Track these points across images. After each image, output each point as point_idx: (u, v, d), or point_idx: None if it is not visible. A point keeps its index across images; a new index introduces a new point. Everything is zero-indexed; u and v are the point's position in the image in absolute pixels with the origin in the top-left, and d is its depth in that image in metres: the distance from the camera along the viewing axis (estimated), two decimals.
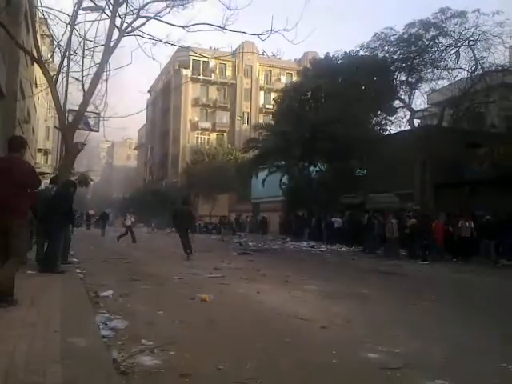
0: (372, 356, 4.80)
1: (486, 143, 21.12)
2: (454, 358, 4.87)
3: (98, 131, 17.24)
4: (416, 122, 27.67)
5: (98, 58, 13.40)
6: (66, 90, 15.54)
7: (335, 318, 6.54)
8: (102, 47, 13.18)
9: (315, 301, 8.12)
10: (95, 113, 16.40)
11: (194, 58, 57.47)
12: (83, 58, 13.55)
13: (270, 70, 67.93)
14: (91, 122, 17.32)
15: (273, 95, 56.45)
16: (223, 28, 13.48)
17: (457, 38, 22.71)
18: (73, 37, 13.19)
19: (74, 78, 14.32)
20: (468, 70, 23.29)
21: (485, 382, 4.13)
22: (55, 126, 20.46)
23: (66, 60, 13.72)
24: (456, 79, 24.22)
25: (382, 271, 13.78)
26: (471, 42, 22.42)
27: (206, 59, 50.06)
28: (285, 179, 31.22)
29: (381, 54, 24.46)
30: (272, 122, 37.08)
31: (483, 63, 22.60)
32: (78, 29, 13.39)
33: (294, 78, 54.00)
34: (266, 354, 4.80)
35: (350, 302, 8.19)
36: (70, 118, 13.96)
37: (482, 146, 21.54)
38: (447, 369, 4.46)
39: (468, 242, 17.59)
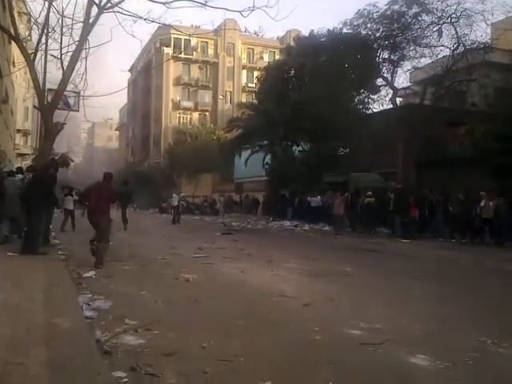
0: (354, 332, 4.88)
1: (467, 121, 21.27)
2: (435, 333, 4.97)
3: (78, 111, 16.93)
4: (398, 100, 27.70)
5: (77, 35, 13.06)
6: (45, 69, 15.19)
7: (318, 296, 6.62)
8: (81, 24, 12.89)
9: (298, 279, 8.20)
10: (75, 92, 16.10)
11: (176, 36, 56.66)
12: (61, 35, 13.20)
13: (253, 49, 67.29)
14: (71, 101, 16.99)
15: (255, 74, 56.00)
16: (204, 4, 13.22)
17: (439, 15, 22.63)
18: (51, 14, 12.85)
19: (52, 55, 13.95)
20: (450, 48, 23.27)
21: (464, 356, 4.21)
22: (34, 106, 20.02)
23: (44, 38, 13.39)
24: (438, 57, 24.21)
25: (363, 249, 13.93)
26: (453, 19, 22.35)
27: (187, 37, 49.27)
28: (268, 159, 31.15)
29: (364, 32, 24.30)
30: (255, 101, 36.81)
31: (465, 41, 22.59)
32: (55, 5, 13.05)
33: (277, 57, 53.58)
34: (249, 331, 4.85)
35: (332, 279, 8.29)
36: (50, 98, 13.69)
37: (463, 124, 21.69)
38: (428, 344, 4.54)
39: (490, 224, 16.08)
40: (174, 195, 25.04)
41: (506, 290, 7.88)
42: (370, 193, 20.62)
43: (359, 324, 5.14)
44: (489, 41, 23.70)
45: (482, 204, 15.99)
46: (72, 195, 18.80)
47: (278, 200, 29.51)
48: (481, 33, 22.97)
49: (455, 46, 22.87)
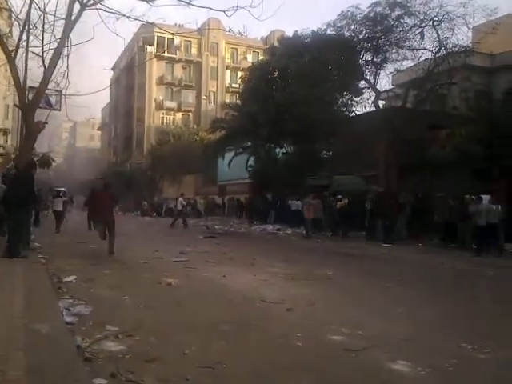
0: (336, 338, 4.89)
1: (448, 125, 21.50)
2: (416, 338, 5.00)
3: (59, 110, 16.72)
4: (381, 103, 27.88)
5: (58, 32, 12.90)
6: (26, 66, 14.94)
7: (300, 301, 6.62)
8: (63, 21, 12.73)
9: (281, 283, 8.21)
10: (56, 90, 15.91)
11: (159, 34, 56.40)
12: (43, 32, 13.01)
13: (237, 49, 67.20)
14: (52, 100, 16.78)
15: (239, 74, 55.94)
16: (188, 3, 13.16)
17: (421, 18, 22.84)
18: (32, 10, 12.65)
19: (33, 53, 13.74)
20: (432, 51, 23.53)
21: (444, 361, 4.25)
22: (15, 104, 19.74)
23: (25, 34, 13.19)
24: (420, 60, 24.46)
25: (345, 253, 14.00)
26: (435, 23, 22.59)
27: (170, 36, 49.09)
28: (251, 161, 31.14)
29: (347, 34, 24.43)
30: (238, 102, 36.73)
31: (447, 44, 22.84)
32: (37, 2, 12.86)
33: (261, 57, 53.54)
34: (231, 337, 4.84)
35: (314, 284, 8.31)
36: (31, 96, 13.50)
37: (444, 127, 21.92)
38: (409, 349, 4.57)
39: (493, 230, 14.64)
40: (179, 199, 24.79)
41: (487, 294, 7.98)
42: (340, 196, 20.99)
43: (341, 329, 5.15)
44: (470, 44, 24.01)
45: (484, 207, 14.97)
46: (61, 197, 19.11)
47: (260, 203, 29.48)
48: (462, 36, 23.38)
49: (437, 49, 23.14)
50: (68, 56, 12.97)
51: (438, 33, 22.79)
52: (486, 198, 15.72)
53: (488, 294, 8.06)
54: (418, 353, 4.46)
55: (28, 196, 9.59)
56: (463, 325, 5.70)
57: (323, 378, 3.80)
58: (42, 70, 12.87)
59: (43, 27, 12.93)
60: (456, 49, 22.95)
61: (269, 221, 26.86)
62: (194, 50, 65.14)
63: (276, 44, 34.05)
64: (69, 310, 5.48)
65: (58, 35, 12.76)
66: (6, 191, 10.01)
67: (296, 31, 28.52)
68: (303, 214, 20.18)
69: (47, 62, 12.64)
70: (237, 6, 12.67)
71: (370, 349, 4.51)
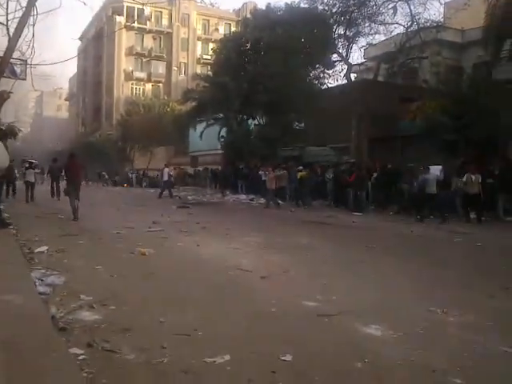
0: (309, 304, 4.98)
1: (419, 98, 21.72)
2: (388, 304, 5.13)
3: (25, 79, 16.21)
4: (353, 76, 27.97)
5: (24, 1, 12.47)
6: None
7: (274, 269, 6.70)
8: None
9: (255, 252, 8.26)
10: (22, 60, 15.42)
11: (129, 4, 54.86)
12: (8, 0, 12.57)
13: (208, 20, 65.91)
14: (17, 69, 16.29)
15: (211, 46, 54.98)
16: None
17: None
18: None
19: None
20: (404, 26, 23.66)
21: (415, 325, 4.38)
22: None
23: None
24: (392, 34, 24.59)
25: (319, 222, 14.14)
26: None
27: (140, 6, 47.79)
28: (223, 132, 30.90)
29: (320, 7, 24.34)
30: (210, 73, 36.25)
31: (419, 19, 23.00)
32: None
33: (233, 29, 52.66)
34: (206, 305, 4.88)
35: (289, 252, 8.39)
36: None
37: (415, 100, 22.15)
38: (381, 314, 4.68)
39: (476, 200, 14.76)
40: (165, 170, 24.41)
41: (454, 261, 8.18)
42: (301, 167, 21.26)
43: (315, 296, 5.24)
44: (441, 20, 24.17)
45: (464, 179, 14.98)
46: (33, 168, 19.38)
47: (231, 173, 29.42)
48: (434, 11, 23.88)
49: (409, 23, 23.32)
50: (34, 25, 12.51)
51: (410, 8, 22.96)
52: (436, 168, 16.29)
53: (457, 260, 8.26)
54: (389, 317, 4.58)
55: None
56: (433, 291, 5.82)
57: (298, 343, 3.87)
58: (6, 38, 12.44)
59: None
60: (428, 24, 23.15)
61: (240, 191, 26.91)
62: (164, 21, 63.61)
63: (249, 16, 33.57)
64: (42, 280, 5.41)
65: (24, 3, 12.31)
66: None
67: (269, 4, 28.39)
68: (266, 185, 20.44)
69: (12, 30, 12.21)
70: None
71: (344, 314, 4.61)
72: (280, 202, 20.18)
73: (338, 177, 19.89)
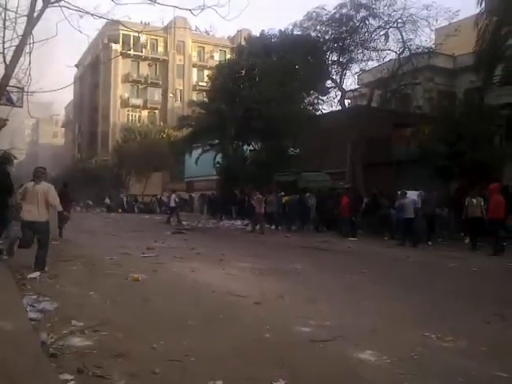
0: (303, 329, 4.95)
1: (413, 124, 21.95)
2: (382, 329, 5.10)
3: (21, 107, 16.34)
4: (347, 102, 28.29)
5: (20, 29, 12.62)
6: None
7: (268, 294, 6.66)
8: (25, 18, 12.42)
9: (249, 278, 8.23)
10: (18, 87, 15.55)
11: (124, 32, 55.50)
12: (4, 29, 12.68)
13: (203, 47, 66.83)
14: (14, 97, 16.42)
15: (206, 72, 55.70)
16: (154, 1, 13.03)
17: (386, 19, 23.26)
18: None
19: None
20: (396, 52, 24.03)
21: (409, 349, 4.36)
22: None
23: None
24: (385, 60, 24.92)
25: (313, 247, 14.11)
26: (399, 24, 23.03)
27: (136, 34, 48.41)
28: (219, 158, 31.05)
29: (313, 34, 24.69)
30: (206, 100, 36.61)
31: (410, 45, 23.35)
32: None
33: (228, 56, 53.38)
34: (200, 331, 4.83)
35: (283, 277, 8.36)
36: None
37: (409, 126, 22.36)
38: (375, 340, 4.66)
39: (478, 224, 14.29)
40: (172, 196, 24.34)
41: (449, 286, 8.16)
42: (282, 193, 21.98)
43: (309, 321, 5.21)
44: (433, 46, 24.57)
45: (466, 203, 14.59)
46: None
47: (226, 199, 29.45)
48: (425, 38, 23.86)
49: (401, 50, 23.63)
50: (30, 53, 12.67)
51: (401, 34, 23.28)
52: (413, 193, 16.59)
53: (451, 286, 8.24)
54: (383, 343, 4.55)
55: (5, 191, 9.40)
56: (427, 316, 5.81)
57: (291, 369, 3.83)
58: (2, 66, 12.57)
59: (4, 24, 12.56)
60: (419, 50, 23.49)
61: (234, 217, 26.93)
62: (160, 48, 64.49)
63: (243, 43, 34.10)
64: (33, 306, 5.36)
65: (20, 32, 12.47)
66: None
67: (263, 31, 28.68)
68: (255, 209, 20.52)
69: (9, 58, 12.35)
70: (203, 5, 12.60)
71: (337, 340, 4.58)
72: (273, 227, 20.22)
73: (324, 202, 20.21)
